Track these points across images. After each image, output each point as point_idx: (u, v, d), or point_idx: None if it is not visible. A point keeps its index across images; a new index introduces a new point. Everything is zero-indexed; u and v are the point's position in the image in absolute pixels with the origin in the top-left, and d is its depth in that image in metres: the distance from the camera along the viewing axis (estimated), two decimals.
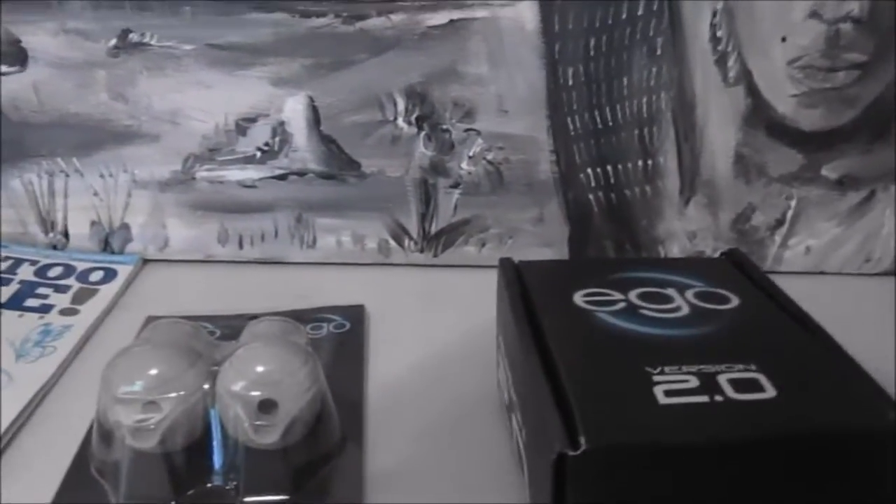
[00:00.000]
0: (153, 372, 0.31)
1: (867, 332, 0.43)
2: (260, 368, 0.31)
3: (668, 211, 0.49)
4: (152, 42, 0.47)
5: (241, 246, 0.51)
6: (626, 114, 0.47)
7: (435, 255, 0.51)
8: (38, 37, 0.47)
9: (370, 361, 0.41)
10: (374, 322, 0.45)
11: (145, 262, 0.52)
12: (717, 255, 0.49)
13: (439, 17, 0.45)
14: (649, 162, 0.48)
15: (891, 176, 0.47)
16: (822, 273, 0.50)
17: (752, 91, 0.46)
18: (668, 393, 0.24)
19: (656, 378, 0.25)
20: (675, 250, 0.50)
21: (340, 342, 0.42)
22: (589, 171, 0.48)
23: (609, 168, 0.48)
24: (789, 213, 0.49)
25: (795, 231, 0.49)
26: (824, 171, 0.47)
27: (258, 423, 0.30)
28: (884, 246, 0.49)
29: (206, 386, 0.31)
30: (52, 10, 0.46)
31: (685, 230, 0.49)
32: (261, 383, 0.30)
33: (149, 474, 0.31)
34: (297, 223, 0.51)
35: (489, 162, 0.48)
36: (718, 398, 0.24)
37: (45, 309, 0.45)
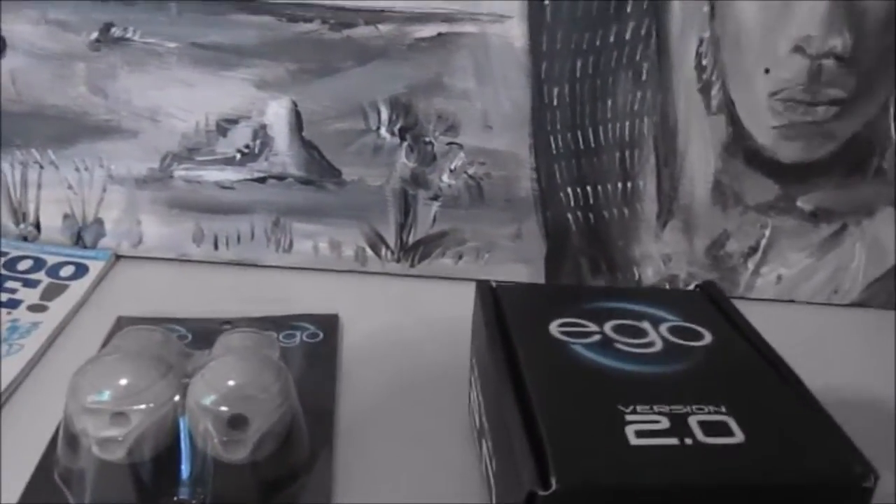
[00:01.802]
0: (123, 382, 0.30)
1: (833, 361, 0.44)
2: (231, 383, 0.31)
3: (644, 233, 0.49)
4: (135, 37, 0.46)
5: (216, 247, 0.51)
6: (608, 136, 0.47)
7: (411, 266, 0.51)
8: (19, 25, 0.46)
9: (342, 373, 0.41)
10: (348, 331, 0.44)
11: (118, 258, 0.51)
12: (689, 279, 0.50)
13: (428, 30, 0.45)
14: (629, 184, 0.48)
15: (863, 211, 0.48)
16: (791, 301, 0.51)
17: (734, 120, 0.46)
18: (639, 434, 0.25)
19: (628, 417, 0.25)
20: (649, 272, 0.50)
21: (313, 352, 0.41)
22: (569, 190, 0.48)
23: (588, 188, 0.48)
24: (763, 242, 0.49)
25: (768, 259, 0.50)
26: (799, 203, 0.48)
27: (227, 438, 0.30)
28: (852, 278, 0.50)
29: (177, 398, 0.31)
30: None
31: (660, 253, 0.50)
32: (232, 398, 0.30)
33: (114, 484, 0.30)
34: (275, 227, 0.50)
35: (470, 176, 0.48)
36: (688, 441, 0.24)
37: (14, 304, 0.44)
